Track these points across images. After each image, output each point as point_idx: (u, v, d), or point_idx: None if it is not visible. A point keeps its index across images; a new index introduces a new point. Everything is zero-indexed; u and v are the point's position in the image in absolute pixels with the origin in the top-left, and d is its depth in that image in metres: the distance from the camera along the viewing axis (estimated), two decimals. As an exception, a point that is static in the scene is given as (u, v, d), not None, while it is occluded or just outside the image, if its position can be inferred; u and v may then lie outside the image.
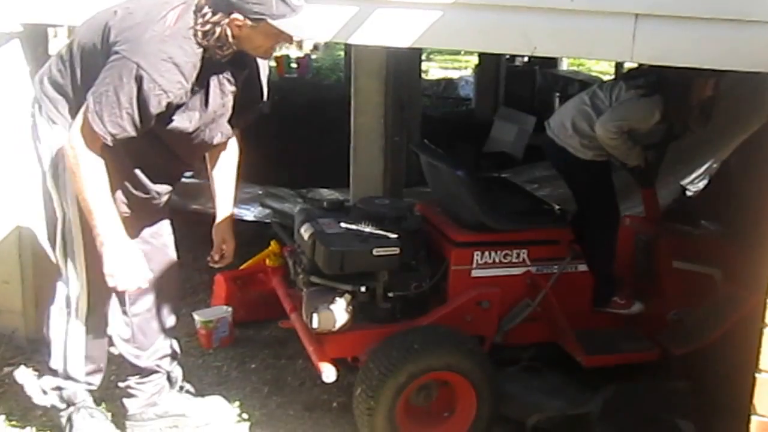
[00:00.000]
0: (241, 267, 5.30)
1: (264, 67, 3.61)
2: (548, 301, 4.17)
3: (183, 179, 3.84)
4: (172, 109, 3.18)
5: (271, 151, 7.17)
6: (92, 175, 3.17)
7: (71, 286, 3.61)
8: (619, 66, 12.88)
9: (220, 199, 3.90)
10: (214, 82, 3.30)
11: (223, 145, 3.70)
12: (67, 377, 3.74)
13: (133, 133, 3.14)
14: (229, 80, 3.34)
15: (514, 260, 4.18)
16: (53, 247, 3.68)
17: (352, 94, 5.75)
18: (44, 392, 3.81)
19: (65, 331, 3.68)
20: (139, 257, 3.33)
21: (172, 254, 3.88)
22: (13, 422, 4.08)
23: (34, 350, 4.65)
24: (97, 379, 3.83)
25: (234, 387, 4.48)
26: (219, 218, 3.90)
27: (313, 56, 16.63)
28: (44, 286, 4.61)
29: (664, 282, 4.50)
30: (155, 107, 3.10)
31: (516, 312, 4.20)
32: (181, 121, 3.28)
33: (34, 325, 4.69)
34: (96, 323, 3.69)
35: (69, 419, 3.79)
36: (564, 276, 4.22)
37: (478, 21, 3.48)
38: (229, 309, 4.99)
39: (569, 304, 4.26)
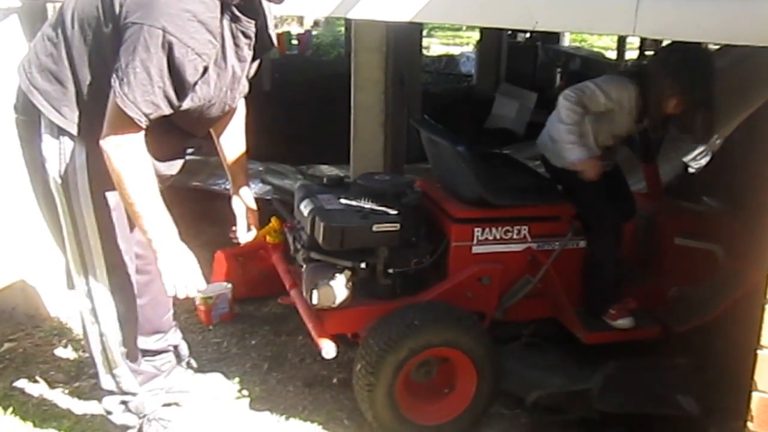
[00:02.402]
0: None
1: (270, 12, 3.27)
2: (549, 278, 4.16)
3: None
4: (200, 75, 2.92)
5: (271, 128, 7.15)
6: (140, 174, 2.94)
7: (96, 300, 3.35)
8: (621, 41, 12.88)
9: (233, 165, 3.66)
10: (227, 34, 2.98)
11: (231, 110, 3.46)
12: (124, 393, 3.55)
13: (167, 110, 2.89)
14: (243, 32, 3.03)
15: (515, 236, 4.16)
16: (64, 255, 3.39)
17: (352, 70, 5.71)
18: (109, 412, 3.61)
19: (103, 348, 3.45)
20: (194, 260, 3.13)
21: None
22: (14, 398, 4.07)
23: (35, 326, 4.69)
24: (157, 384, 3.70)
25: (234, 363, 4.47)
26: (235, 188, 3.68)
27: (314, 32, 16.62)
28: (43, 263, 4.63)
29: (666, 258, 4.48)
30: (192, 75, 2.86)
31: (517, 288, 4.18)
32: (202, 88, 2.99)
33: (34, 302, 4.70)
34: (129, 333, 3.48)
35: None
36: (565, 252, 4.19)
37: (480, -5, 3.44)
38: (229, 285, 4.99)
39: (570, 281, 4.24)
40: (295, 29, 15.22)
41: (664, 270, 4.48)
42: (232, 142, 3.64)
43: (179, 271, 3.07)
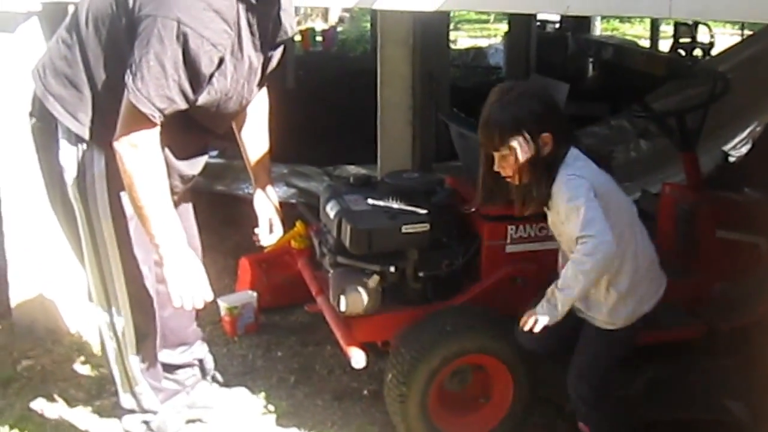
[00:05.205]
0: (266, 250, 5.19)
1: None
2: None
3: (208, 158, 3.51)
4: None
5: (295, 127, 7.08)
6: (152, 176, 2.87)
7: (114, 313, 3.28)
8: (654, 29, 12.71)
9: (256, 164, 3.57)
10: (243, 23, 2.91)
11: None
12: (145, 411, 3.47)
13: (182, 104, 2.82)
14: (260, 19, 2.97)
15: (550, 234, 4.00)
16: (83, 266, 3.33)
17: (378, 65, 5.60)
18: None
19: (122, 364, 3.36)
20: (202, 270, 3.06)
21: (197, 242, 3.59)
22: (31, 419, 3.97)
23: (54, 341, 4.58)
24: (179, 401, 3.63)
25: (260, 377, 4.37)
26: (258, 187, 3.59)
27: (339, 28, 16.61)
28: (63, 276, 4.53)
29: (708, 253, 4.31)
30: (207, 66, 2.80)
31: (553, 289, 4.03)
32: (219, 81, 2.92)
33: (53, 316, 4.59)
34: (149, 348, 3.37)
35: None
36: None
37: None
38: (255, 294, 4.88)
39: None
40: (320, 25, 15.20)
41: (706, 265, 4.32)
42: (255, 139, 3.56)
43: (186, 281, 2.98)
